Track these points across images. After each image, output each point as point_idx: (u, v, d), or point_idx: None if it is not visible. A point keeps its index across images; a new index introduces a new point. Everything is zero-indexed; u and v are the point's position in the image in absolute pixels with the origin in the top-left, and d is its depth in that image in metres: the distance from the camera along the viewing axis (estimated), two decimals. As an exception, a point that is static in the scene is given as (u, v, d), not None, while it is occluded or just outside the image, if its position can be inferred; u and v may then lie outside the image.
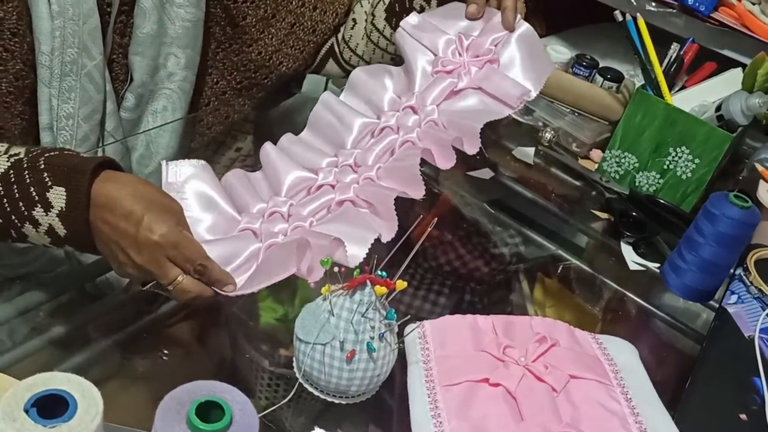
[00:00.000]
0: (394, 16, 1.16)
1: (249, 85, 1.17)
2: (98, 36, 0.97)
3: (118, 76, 1.04)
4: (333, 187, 0.97)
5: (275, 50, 1.16)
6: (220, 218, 0.91)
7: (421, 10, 1.13)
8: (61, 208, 0.77)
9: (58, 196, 0.77)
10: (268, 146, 1.01)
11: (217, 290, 0.82)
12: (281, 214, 0.94)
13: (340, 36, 1.24)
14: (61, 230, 0.78)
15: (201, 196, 0.92)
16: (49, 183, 0.77)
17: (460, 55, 1.07)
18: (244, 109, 1.21)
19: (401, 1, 1.15)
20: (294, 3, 1.15)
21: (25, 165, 0.79)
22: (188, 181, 0.93)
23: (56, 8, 0.92)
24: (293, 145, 1.03)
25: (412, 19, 1.09)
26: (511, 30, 1.06)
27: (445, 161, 0.96)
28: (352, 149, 1.02)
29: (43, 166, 0.78)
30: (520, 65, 1.06)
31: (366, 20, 1.21)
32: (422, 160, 0.95)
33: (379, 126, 1.03)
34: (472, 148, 0.98)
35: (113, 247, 0.78)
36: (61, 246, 0.81)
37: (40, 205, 0.77)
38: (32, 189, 0.77)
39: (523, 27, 1.07)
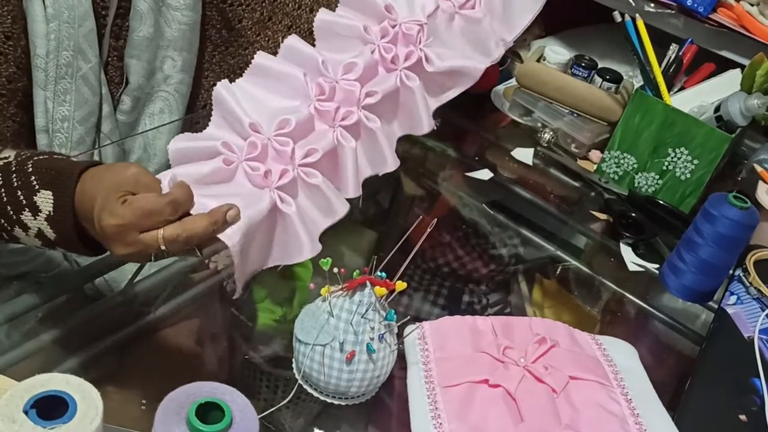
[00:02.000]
0: None
1: None
2: (94, 39, 0.97)
3: (114, 79, 1.04)
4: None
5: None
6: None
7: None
8: (49, 212, 0.76)
9: (45, 199, 0.76)
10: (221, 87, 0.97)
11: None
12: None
13: None
14: (50, 234, 0.78)
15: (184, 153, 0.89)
16: (37, 186, 0.77)
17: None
18: None
19: None
20: (290, 6, 1.15)
21: (14, 168, 0.78)
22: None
23: (51, 11, 0.92)
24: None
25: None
26: None
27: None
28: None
29: (30, 170, 0.78)
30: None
31: None
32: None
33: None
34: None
35: (101, 239, 0.77)
36: (53, 248, 0.80)
37: (28, 209, 0.77)
38: (20, 192, 0.77)
39: None
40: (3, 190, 0.77)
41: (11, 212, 0.78)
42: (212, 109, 1.16)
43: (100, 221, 0.74)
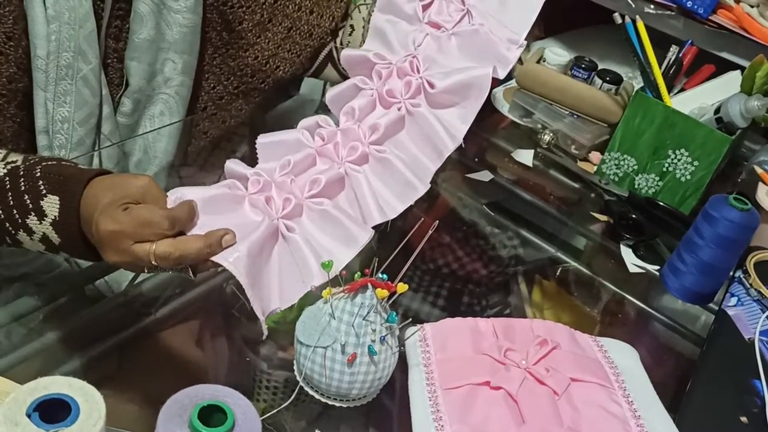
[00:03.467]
0: None
1: (246, 89, 1.17)
2: (94, 40, 0.97)
3: (114, 81, 1.04)
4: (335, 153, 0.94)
5: (272, 55, 1.15)
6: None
7: None
8: (55, 217, 0.77)
9: (51, 204, 0.77)
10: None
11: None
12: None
13: (338, 41, 1.24)
14: (55, 239, 0.78)
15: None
16: (44, 191, 0.77)
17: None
18: (241, 113, 1.20)
19: None
20: (290, 7, 1.15)
21: (21, 172, 0.78)
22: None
23: (52, 12, 0.92)
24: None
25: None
26: None
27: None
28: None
29: (38, 174, 0.78)
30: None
31: (363, 27, 1.21)
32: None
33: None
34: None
35: (98, 246, 0.77)
36: (56, 253, 0.80)
37: (33, 214, 0.77)
38: (26, 197, 0.77)
39: None
40: (10, 193, 0.77)
41: (17, 216, 0.78)
42: (214, 113, 1.16)
43: (98, 224, 0.74)
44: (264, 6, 1.12)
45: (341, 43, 1.24)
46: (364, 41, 1.20)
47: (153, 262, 0.75)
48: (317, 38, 1.20)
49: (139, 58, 1.02)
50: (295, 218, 0.87)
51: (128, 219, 0.74)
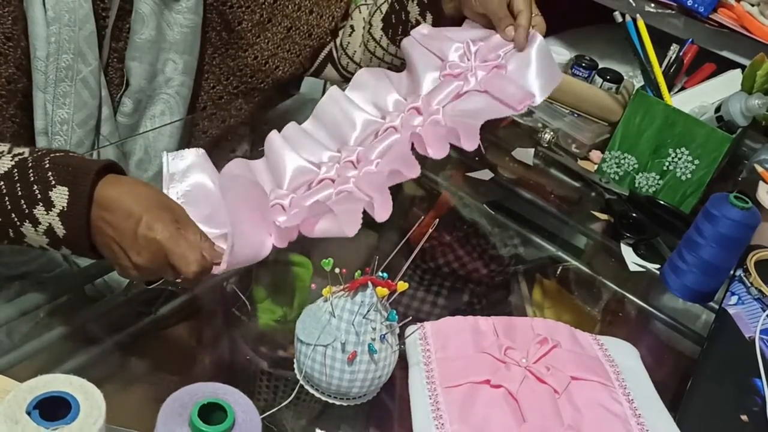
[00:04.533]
0: (391, 28, 1.16)
1: (246, 89, 1.17)
2: (94, 42, 0.97)
3: (113, 81, 1.04)
4: (333, 181, 0.96)
5: (271, 54, 1.15)
6: (221, 209, 0.90)
7: (416, 24, 1.13)
8: (63, 207, 0.76)
9: (60, 195, 0.76)
10: (273, 134, 1.00)
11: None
12: (282, 206, 0.93)
13: (338, 41, 1.24)
14: (60, 230, 0.77)
15: (202, 186, 0.91)
16: (53, 182, 0.77)
17: (468, 59, 1.06)
18: (241, 113, 1.20)
19: (397, 13, 1.15)
20: (290, 7, 1.15)
21: (30, 164, 0.78)
22: (189, 170, 0.91)
23: (52, 14, 0.92)
24: (297, 136, 1.02)
25: (423, 29, 1.09)
26: (521, 50, 1.05)
27: (437, 151, 0.95)
28: (355, 146, 1.01)
29: (48, 165, 0.78)
30: (527, 72, 1.05)
31: (363, 28, 1.21)
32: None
33: (383, 126, 1.02)
34: (470, 143, 0.96)
35: (115, 248, 0.77)
36: (57, 248, 0.80)
37: (41, 204, 0.77)
38: (35, 187, 0.77)
39: (537, 41, 1.06)
40: (18, 184, 0.77)
41: (24, 206, 0.77)
42: (213, 113, 1.16)
43: (150, 224, 0.76)
44: (263, 6, 1.11)
45: (341, 44, 1.24)
46: (363, 44, 1.20)
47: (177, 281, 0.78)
48: (317, 38, 1.20)
49: (140, 58, 1.01)
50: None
51: (184, 240, 0.77)
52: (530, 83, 1.04)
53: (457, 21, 1.10)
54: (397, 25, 1.15)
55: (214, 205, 0.88)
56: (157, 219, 0.78)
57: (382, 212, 0.88)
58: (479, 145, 0.95)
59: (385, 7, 1.17)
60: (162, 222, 0.78)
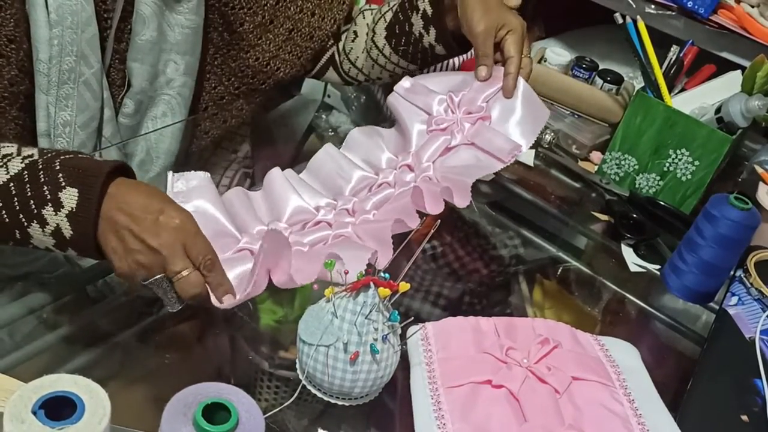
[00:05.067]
0: (394, 38, 1.16)
1: (247, 90, 1.17)
2: (96, 44, 0.97)
3: (115, 82, 1.04)
4: (330, 225, 1.00)
5: (273, 56, 1.15)
6: (220, 235, 0.92)
7: (420, 37, 1.14)
8: (72, 208, 0.77)
9: (70, 196, 0.77)
10: (276, 171, 1.03)
11: (213, 297, 0.82)
12: None
13: (341, 45, 1.24)
14: (68, 231, 0.78)
15: (203, 212, 0.93)
16: (63, 183, 0.77)
17: (452, 112, 1.10)
18: (242, 113, 1.21)
19: (401, 23, 1.15)
20: (292, 9, 1.15)
21: (40, 166, 0.79)
22: (192, 193, 0.95)
23: (54, 17, 0.92)
24: (295, 180, 1.05)
25: (405, 82, 1.12)
26: (509, 97, 1.09)
27: (433, 207, 0.99)
28: (351, 197, 1.05)
29: (58, 167, 0.78)
30: (512, 120, 1.09)
31: (367, 34, 1.21)
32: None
33: (377, 182, 1.06)
34: (462, 201, 1.00)
35: (125, 234, 0.77)
36: (63, 249, 0.80)
37: (50, 204, 0.77)
38: (46, 188, 0.77)
39: (521, 87, 1.09)
40: (28, 185, 0.78)
41: (33, 206, 0.78)
42: (215, 113, 1.17)
43: (171, 213, 0.79)
44: (265, 7, 1.12)
45: (344, 49, 1.24)
46: (366, 51, 1.21)
47: (174, 278, 0.78)
48: (318, 40, 1.20)
49: (141, 59, 1.02)
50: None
51: (202, 235, 0.81)
52: (516, 131, 1.07)
53: (458, 36, 1.12)
54: (400, 36, 1.15)
55: (213, 230, 0.90)
56: (177, 209, 0.80)
57: (383, 260, 0.90)
58: (471, 202, 1.00)
59: (389, 16, 1.17)
60: (183, 212, 0.80)
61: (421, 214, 1.00)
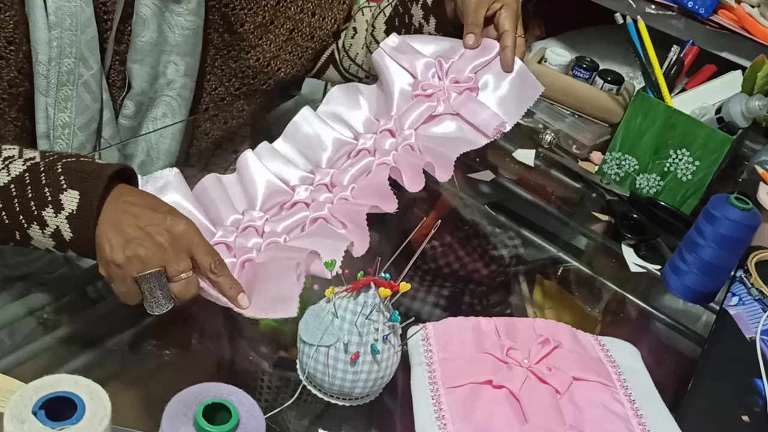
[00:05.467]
0: (394, 30, 1.16)
1: (247, 91, 1.17)
2: (95, 46, 0.97)
3: (115, 83, 1.04)
4: (307, 205, 0.98)
5: (273, 56, 1.15)
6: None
7: (419, 27, 1.14)
8: (72, 210, 0.77)
9: (71, 199, 0.77)
10: (247, 153, 1.01)
11: (225, 302, 0.83)
12: (255, 229, 0.95)
13: (340, 43, 1.24)
14: (68, 233, 0.78)
15: (176, 206, 0.92)
16: (64, 186, 0.77)
17: (439, 79, 1.08)
18: (243, 113, 1.21)
19: (401, 16, 1.15)
20: (292, 9, 1.15)
21: (42, 168, 0.79)
22: (164, 189, 0.94)
23: (54, 19, 0.92)
24: (269, 154, 1.03)
25: (392, 40, 1.10)
26: (509, 71, 1.07)
27: (413, 184, 0.98)
28: (328, 169, 1.03)
29: (60, 170, 0.78)
30: (499, 95, 1.07)
31: (366, 30, 1.21)
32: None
33: (356, 148, 1.04)
34: (444, 175, 0.99)
35: (128, 226, 0.77)
36: (63, 251, 0.80)
37: (51, 206, 0.77)
38: (46, 190, 0.78)
39: (517, 64, 1.07)
40: (29, 187, 0.78)
41: (33, 208, 0.78)
42: (215, 114, 1.17)
43: (178, 216, 0.80)
44: (266, 8, 1.12)
45: (343, 46, 1.24)
46: (366, 46, 1.21)
47: (175, 278, 0.78)
48: (319, 40, 1.20)
49: (141, 60, 1.01)
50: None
51: (206, 241, 0.81)
52: (501, 107, 1.06)
53: (458, 26, 1.11)
54: (400, 28, 1.15)
55: None
56: (184, 216, 0.81)
57: (360, 249, 0.91)
58: (452, 176, 0.99)
59: (388, 10, 1.17)
60: (189, 220, 0.81)
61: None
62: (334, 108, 1.09)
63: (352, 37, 1.22)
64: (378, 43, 1.18)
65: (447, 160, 1.00)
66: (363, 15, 1.22)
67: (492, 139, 1.04)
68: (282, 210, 0.99)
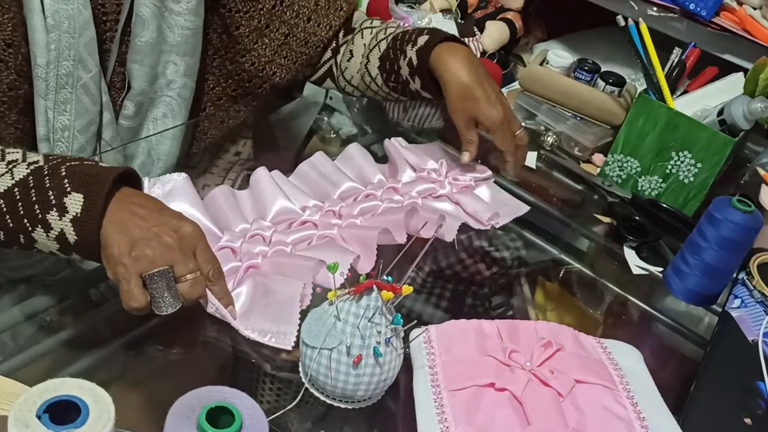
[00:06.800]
0: (385, 72, 1.18)
1: (243, 93, 1.17)
2: (94, 48, 0.97)
3: (115, 84, 1.04)
4: (316, 225, 1.01)
5: (268, 61, 1.15)
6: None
7: (407, 81, 1.17)
8: (76, 213, 0.77)
9: (75, 202, 0.77)
10: (261, 171, 1.05)
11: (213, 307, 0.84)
12: (263, 237, 0.96)
13: (339, 58, 1.25)
14: (72, 236, 0.78)
15: (182, 212, 0.93)
16: (69, 189, 0.77)
17: (441, 174, 1.17)
18: (240, 115, 1.21)
19: (391, 61, 1.17)
20: (288, 14, 1.15)
21: (46, 172, 0.79)
22: (170, 196, 0.95)
23: (51, 21, 0.92)
24: (282, 181, 1.07)
25: (402, 141, 1.20)
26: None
27: (400, 236, 1.01)
28: (338, 200, 1.07)
29: (64, 173, 0.79)
30: (493, 200, 1.17)
31: (363, 56, 1.21)
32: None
33: (364, 192, 1.09)
34: (449, 235, 1.04)
35: (136, 227, 0.77)
36: (68, 254, 0.80)
37: (55, 209, 0.77)
38: (51, 193, 0.78)
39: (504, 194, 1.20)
40: (33, 190, 0.78)
41: (37, 211, 0.78)
42: (213, 114, 1.17)
43: (186, 220, 0.81)
44: (262, 11, 1.12)
45: (340, 65, 1.24)
46: (360, 75, 1.22)
47: (182, 278, 0.79)
48: (313, 46, 1.20)
49: (141, 61, 1.01)
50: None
51: (210, 248, 0.82)
52: (495, 208, 1.14)
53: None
54: (390, 74, 1.18)
55: None
56: (190, 221, 0.82)
57: (366, 265, 0.95)
58: (454, 239, 1.04)
59: (383, 46, 1.18)
60: (196, 225, 0.82)
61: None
62: (349, 162, 1.16)
63: (348, 61, 1.23)
64: (371, 77, 1.21)
65: (450, 226, 1.05)
66: (362, 38, 1.22)
67: (485, 227, 1.11)
68: (290, 227, 1.01)
